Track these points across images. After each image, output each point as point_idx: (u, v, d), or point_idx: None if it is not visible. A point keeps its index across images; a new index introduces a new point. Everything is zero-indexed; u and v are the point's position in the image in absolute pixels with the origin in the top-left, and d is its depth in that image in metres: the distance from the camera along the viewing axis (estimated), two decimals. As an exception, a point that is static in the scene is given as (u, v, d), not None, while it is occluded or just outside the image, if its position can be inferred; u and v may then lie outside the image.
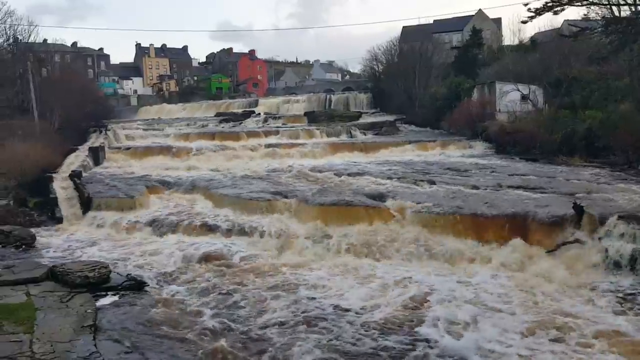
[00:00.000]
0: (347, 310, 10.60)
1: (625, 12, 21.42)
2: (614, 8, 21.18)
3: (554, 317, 9.96)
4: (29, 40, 43.39)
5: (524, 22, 31.52)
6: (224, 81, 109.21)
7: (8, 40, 41.15)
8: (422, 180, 20.97)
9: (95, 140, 35.49)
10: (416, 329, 9.66)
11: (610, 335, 9.10)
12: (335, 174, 23.70)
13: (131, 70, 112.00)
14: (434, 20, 76.92)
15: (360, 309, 10.64)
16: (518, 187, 18.42)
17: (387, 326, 9.80)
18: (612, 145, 24.17)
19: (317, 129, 41.56)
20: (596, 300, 10.66)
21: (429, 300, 10.96)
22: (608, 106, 27.50)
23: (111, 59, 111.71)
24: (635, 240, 11.67)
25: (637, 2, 20.74)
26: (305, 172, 24.72)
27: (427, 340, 9.19)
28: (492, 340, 9.09)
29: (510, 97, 36.02)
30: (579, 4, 19.61)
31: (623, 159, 23.21)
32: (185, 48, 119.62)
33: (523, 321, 9.82)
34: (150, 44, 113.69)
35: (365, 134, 42.44)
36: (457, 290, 11.47)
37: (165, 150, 32.68)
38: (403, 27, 76.74)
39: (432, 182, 20.48)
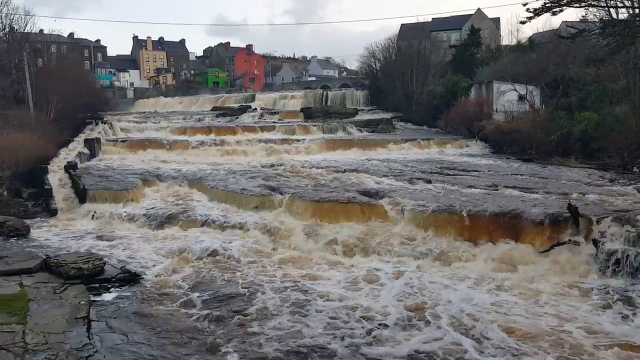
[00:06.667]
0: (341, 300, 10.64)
1: (623, 14, 21.46)
2: (612, 10, 21.22)
3: (542, 316, 10.02)
4: (25, 30, 43.14)
5: (523, 23, 31.55)
6: (220, 75, 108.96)
7: (4, 29, 41.05)
8: (418, 179, 21.03)
9: (91, 132, 35.41)
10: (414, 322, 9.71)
11: (599, 335, 9.16)
12: (330, 171, 23.79)
13: (128, 62, 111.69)
14: (433, 19, 76.98)
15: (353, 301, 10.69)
16: (513, 187, 18.45)
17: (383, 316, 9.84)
18: (607, 147, 24.27)
19: (314, 125, 41.63)
20: (587, 300, 10.69)
21: (423, 297, 11.03)
22: (604, 108, 27.64)
23: (108, 51, 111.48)
24: (629, 241, 11.72)
25: (635, 4, 20.74)
26: (301, 168, 24.78)
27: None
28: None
29: (507, 97, 36.16)
30: (577, 5, 19.60)
31: (618, 161, 23.31)
32: (182, 42, 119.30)
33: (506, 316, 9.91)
34: (148, 37, 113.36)
35: (361, 131, 42.53)
36: (449, 287, 11.52)
37: (161, 143, 32.68)
38: (401, 24, 76.74)
39: (428, 181, 20.53)
